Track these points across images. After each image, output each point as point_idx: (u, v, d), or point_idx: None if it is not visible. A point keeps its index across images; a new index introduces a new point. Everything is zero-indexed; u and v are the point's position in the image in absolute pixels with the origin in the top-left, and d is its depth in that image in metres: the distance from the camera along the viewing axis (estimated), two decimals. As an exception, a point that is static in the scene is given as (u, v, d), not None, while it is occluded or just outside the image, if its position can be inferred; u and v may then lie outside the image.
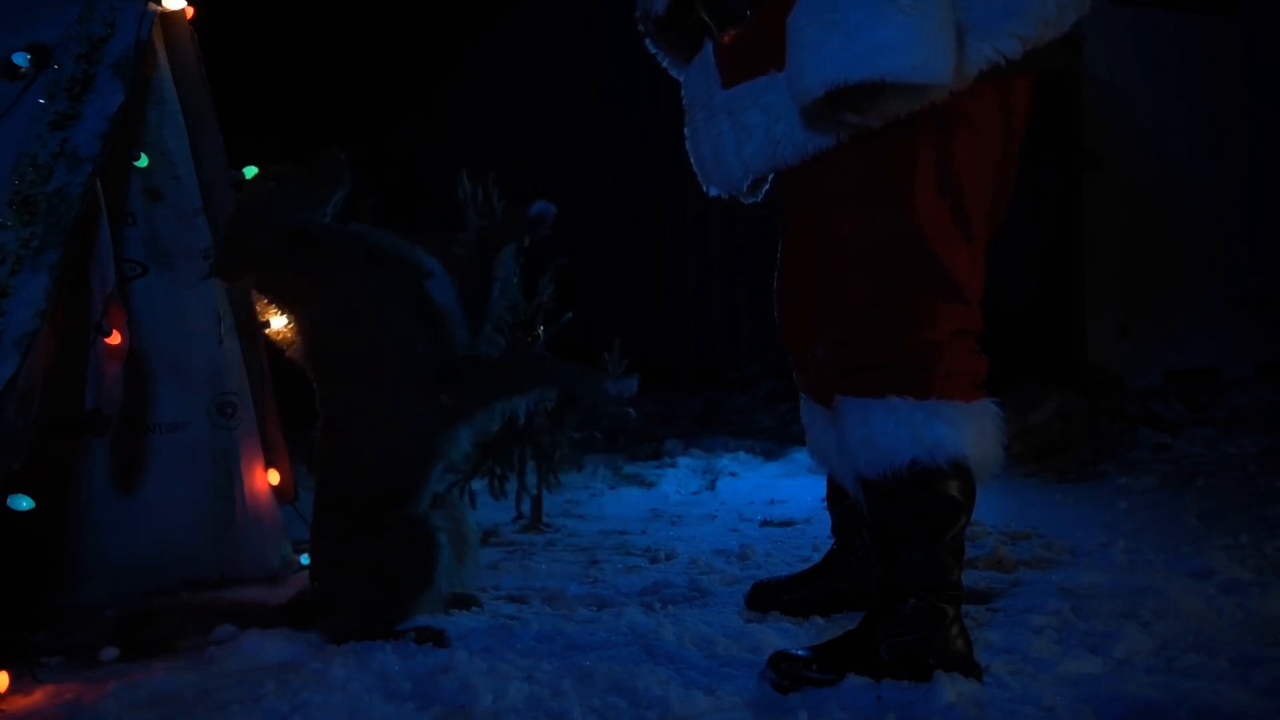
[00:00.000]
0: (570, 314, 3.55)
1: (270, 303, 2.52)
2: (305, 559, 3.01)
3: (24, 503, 2.21)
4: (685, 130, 2.15)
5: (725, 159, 2.05)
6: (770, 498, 3.94)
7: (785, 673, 2.00)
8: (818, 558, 2.68)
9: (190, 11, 2.88)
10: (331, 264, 2.44)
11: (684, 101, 2.18)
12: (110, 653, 2.31)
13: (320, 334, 2.45)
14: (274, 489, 3.02)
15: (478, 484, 3.57)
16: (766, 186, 2.25)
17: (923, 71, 1.77)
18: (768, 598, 2.52)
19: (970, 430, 1.99)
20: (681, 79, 2.24)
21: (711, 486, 4.20)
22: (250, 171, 3.13)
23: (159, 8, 2.71)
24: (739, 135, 2.01)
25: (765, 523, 3.56)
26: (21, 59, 2.41)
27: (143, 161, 2.77)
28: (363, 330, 2.42)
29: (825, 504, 2.60)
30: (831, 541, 2.59)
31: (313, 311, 2.45)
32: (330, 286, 2.43)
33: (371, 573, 2.37)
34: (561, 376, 2.59)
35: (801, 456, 4.22)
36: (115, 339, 2.36)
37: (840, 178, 2.00)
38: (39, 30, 2.48)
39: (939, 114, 1.91)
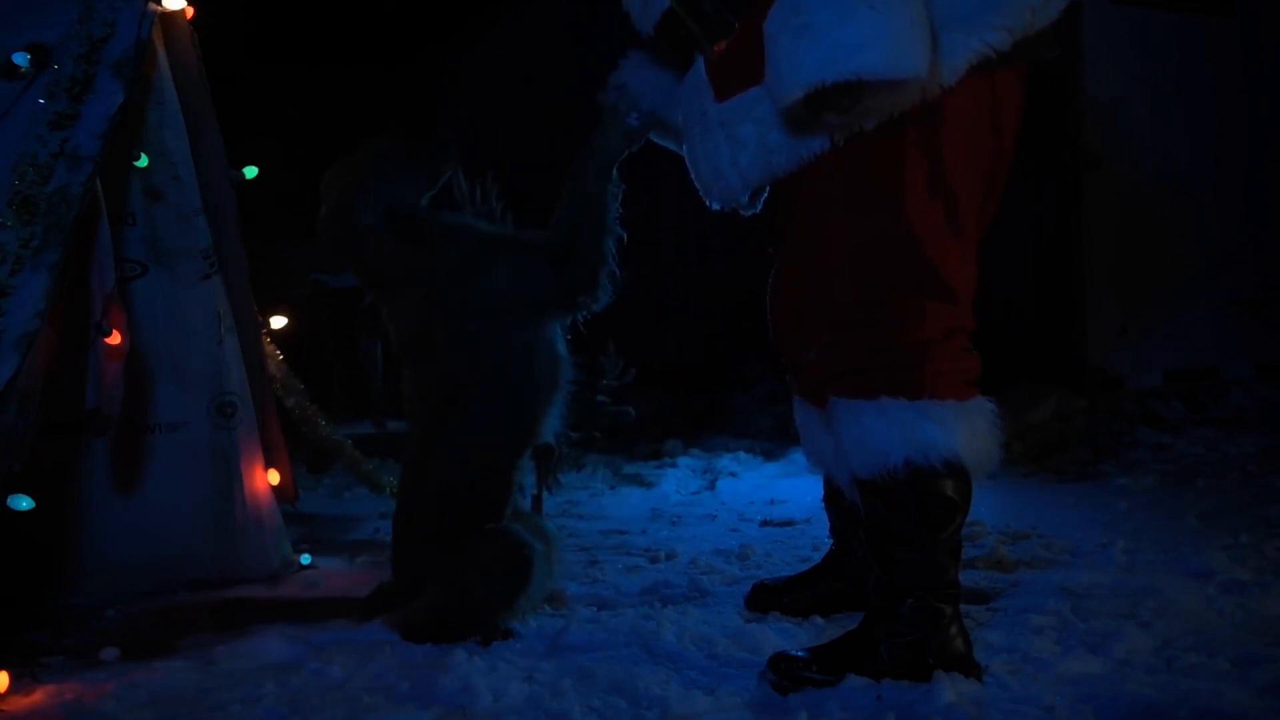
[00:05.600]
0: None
1: (366, 285, 2.51)
2: (305, 559, 3.02)
3: (24, 503, 2.21)
4: (684, 147, 2.16)
5: (723, 172, 2.05)
6: (770, 498, 3.94)
7: (785, 673, 2.00)
8: (818, 558, 2.69)
9: (190, 11, 2.88)
10: (437, 243, 2.41)
11: (680, 118, 2.18)
12: (110, 653, 2.31)
13: (420, 316, 2.41)
14: (274, 489, 3.02)
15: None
16: (765, 196, 2.25)
17: (896, 68, 1.78)
18: (768, 598, 2.52)
19: (963, 430, 1.98)
20: (678, 114, 2.24)
21: (711, 486, 4.20)
22: (250, 172, 3.13)
23: (159, 8, 2.71)
24: (734, 148, 2.02)
25: (765, 523, 3.56)
26: (21, 59, 2.41)
27: (143, 161, 2.77)
28: (471, 308, 2.38)
29: (824, 504, 2.60)
30: (831, 541, 2.59)
31: (413, 294, 2.42)
32: (435, 266, 2.40)
33: (467, 584, 2.34)
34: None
35: (801, 456, 4.21)
36: (115, 339, 2.35)
37: (830, 180, 2.01)
38: (39, 30, 2.48)
39: (926, 112, 1.91)
